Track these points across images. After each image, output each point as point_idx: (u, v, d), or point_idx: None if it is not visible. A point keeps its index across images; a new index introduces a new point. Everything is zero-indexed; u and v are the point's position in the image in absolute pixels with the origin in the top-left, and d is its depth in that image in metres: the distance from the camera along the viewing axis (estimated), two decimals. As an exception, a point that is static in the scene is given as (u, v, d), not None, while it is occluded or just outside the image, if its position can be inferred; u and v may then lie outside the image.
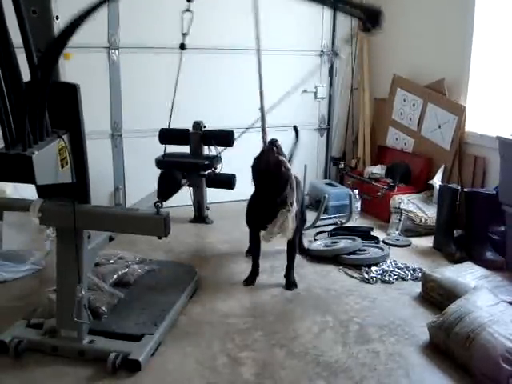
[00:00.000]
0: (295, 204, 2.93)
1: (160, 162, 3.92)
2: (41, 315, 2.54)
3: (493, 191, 3.58)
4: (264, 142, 3.20)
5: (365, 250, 3.62)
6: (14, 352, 2.33)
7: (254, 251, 3.30)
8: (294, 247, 3.22)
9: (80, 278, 2.26)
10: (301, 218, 3.37)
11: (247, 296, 3.07)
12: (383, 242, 3.90)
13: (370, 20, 1.60)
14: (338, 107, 5.35)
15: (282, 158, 2.87)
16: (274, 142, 2.92)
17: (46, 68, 1.86)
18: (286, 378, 2.28)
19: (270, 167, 2.85)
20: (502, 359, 2.15)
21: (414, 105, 4.70)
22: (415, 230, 4.08)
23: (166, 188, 3.57)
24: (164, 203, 2.44)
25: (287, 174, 2.87)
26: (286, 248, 3.22)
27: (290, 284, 3.18)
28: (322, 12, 5.06)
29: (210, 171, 4.01)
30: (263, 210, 2.98)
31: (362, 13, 1.58)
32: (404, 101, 4.83)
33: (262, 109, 3.36)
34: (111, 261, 3.16)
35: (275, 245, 3.77)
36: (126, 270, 3.09)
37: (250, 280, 3.23)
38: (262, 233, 3.08)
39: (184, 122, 3.98)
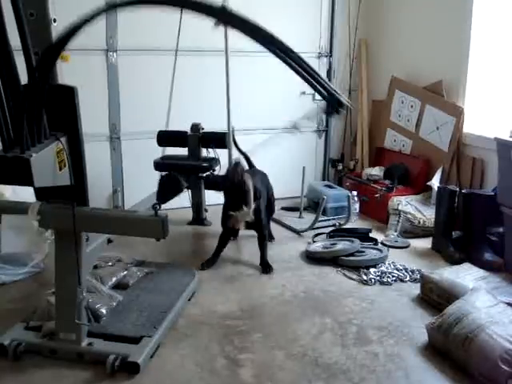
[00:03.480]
0: (253, 205, 3.40)
1: (158, 165, 3.92)
2: (39, 318, 2.54)
3: (491, 192, 3.59)
4: (229, 164, 3.70)
5: (363, 252, 3.62)
6: (12, 354, 2.33)
7: (221, 244, 3.60)
8: (264, 237, 3.58)
9: (80, 280, 2.26)
10: (269, 210, 3.85)
11: (246, 298, 3.07)
12: (382, 243, 3.90)
13: (332, 106, 1.76)
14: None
15: (244, 177, 3.34)
16: (237, 164, 3.44)
17: (43, 72, 1.87)
18: (285, 380, 2.28)
19: (235, 186, 3.33)
20: (500, 360, 2.15)
21: (412, 106, 4.71)
22: (414, 231, 4.08)
23: (167, 191, 3.59)
24: (162, 205, 2.45)
25: (249, 191, 3.33)
26: (258, 243, 3.58)
27: (266, 267, 3.46)
28: (319, 13, 5.07)
29: (208, 173, 4.02)
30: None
31: (330, 97, 1.72)
32: (402, 102, 4.83)
33: (230, 131, 3.95)
34: (110, 263, 3.15)
35: (274, 248, 3.78)
36: (125, 272, 3.09)
37: (208, 264, 3.50)
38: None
39: (182, 124, 3.99)
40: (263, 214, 3.54)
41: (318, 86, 1.74)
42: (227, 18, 1.69)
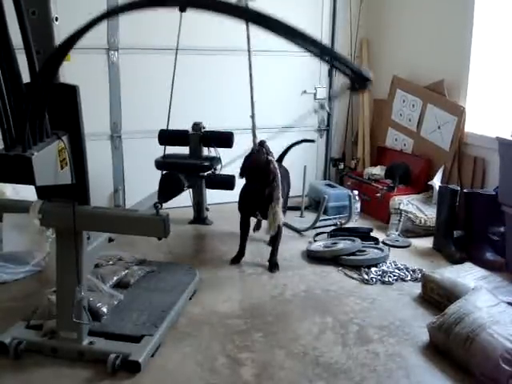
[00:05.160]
0: (281, 198, 3.33)
1: (160, 163, 3.92)
2: (40, 316, 2.54)
3: (492, 192, 3.58)
4: (254, 143, 3.59)
5: (364, 251, 3.62)
6: (13, 353, 2.33)
7: (242, 234, 3.56)
8: (279, 234, 3.49)
9: (79, 279, 2.26)
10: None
11: (247, 297, 3.07)
12: (383, 242, 3.91)
13: (359, 82, 1.72)
14: (337, 108, 5.35)
15: (270, 157, 3.25)
16: (262, 143, 3.33)
17: (46, 76, 1.87)
18: (286, 379, 2.28)
19: (260, 165, 3.24)
20: (501, 360, 2.15)
21: (413, 106, 4.70)
22: (415, 230, 4.08)
23: (169, 190, 3.58)
24: (163, 204, 2.45)
25: (274, 172, 3.26)
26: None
27: (273, 266, 3.44)
28: (321, 13, 5.07)
29: (209, 172, 4.01)
30: (253, 200, 3.39)
31: (353, 74, 1.68)
32: (403, 102, 4.83)
33: (253, 116, 3.91)
34: (111, 262, 3.16)
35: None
36: (126, 271, 3.09)
37: (236, 259, 3.53)
38: (265, 228, 3.46)
39: (183, 123, 3.99)
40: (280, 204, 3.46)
41: (339, 64, 1.72)
42: (250, 17, 1.69)
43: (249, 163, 3.30)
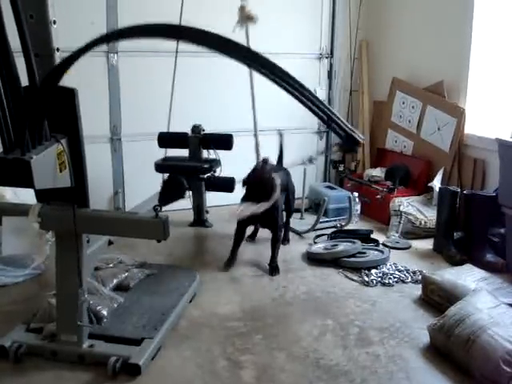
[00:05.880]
0: (280, 213, 3.53)
1: (159, 166, 3.92)
2: (40, 320, 2.54)
3: (492, 193, 3.58)
4: (257, 162, 3.61)
5: (365, 253, 3.62)
6: (13, 357, 2.33)
7: (236, 242, 3.57)
8: (278, 238, 3.53)
9: (80, 282, 2.26)
10: (287, 211, 3.91)
11: (247, 299, 3.06)
12: (383, 244, 3.90)
13: (349, 144, 1.86)
14: (337, 110, 5.35)
15: (272, 175, 3.36)
16: (266, 161, 3.43)
17: (48, 84, 1.88)
18: (287, 382, 2.28)
19: (262, 182, 3.35)
20: (502, 361, 2.15)
21: (413, 107, 4.71)
22: (415, 232, 4.08)
23: (170, 194, 3.58)
24: (163, 207, 2.45)
25: (275, 188, 3.34)
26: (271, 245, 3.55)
27: (273, 269, 3.43)
28: (320, 15, 5.08)
29: (209, 175, 4.02)
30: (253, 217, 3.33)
31: (346, 137, 1.83)
32: (403, 103, 4.83)
33: (256, 134, 3.84)
34: (111, 265, 3.16)
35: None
36: (126, 273, 3.09)
37: (228, 264, 3.50)
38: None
39: (183, 126, 3.99)
40: (279, 213, 3.51)
41: (333, 124, 1.78)
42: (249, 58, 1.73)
43: (252, 179, 3.40)
